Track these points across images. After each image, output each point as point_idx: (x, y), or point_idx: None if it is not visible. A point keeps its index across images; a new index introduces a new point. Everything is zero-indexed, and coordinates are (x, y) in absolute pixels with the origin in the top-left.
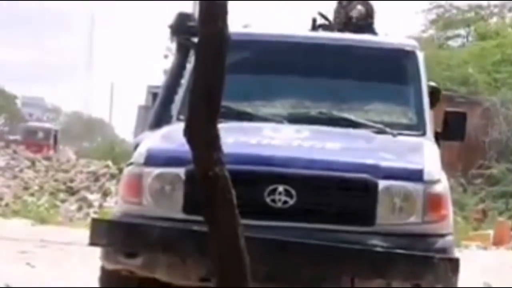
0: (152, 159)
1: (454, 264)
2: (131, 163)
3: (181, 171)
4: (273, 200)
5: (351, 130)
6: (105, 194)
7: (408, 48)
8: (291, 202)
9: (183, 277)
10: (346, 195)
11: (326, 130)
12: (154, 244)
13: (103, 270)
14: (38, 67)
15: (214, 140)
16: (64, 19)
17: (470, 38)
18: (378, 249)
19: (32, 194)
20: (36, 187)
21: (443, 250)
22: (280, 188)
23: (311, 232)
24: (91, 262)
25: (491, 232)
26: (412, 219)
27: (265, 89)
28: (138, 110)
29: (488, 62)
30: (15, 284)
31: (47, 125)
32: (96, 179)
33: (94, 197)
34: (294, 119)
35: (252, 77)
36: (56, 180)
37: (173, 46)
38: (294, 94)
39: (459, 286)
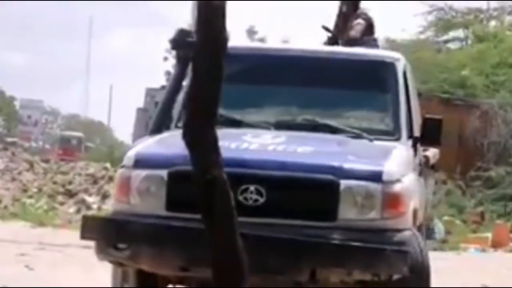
0: (139, 162)
1: (403, 255)
2: (123, 166)
3: (164, 173)
4: (245, 198)
5: (328, 135)
6: (104, 196)
7: (387, 60)
8: (261, 200)
9: (164, 266)
10: (311, 193)
11: (303, 135)
12: (139, 238)
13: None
14: (37, 69)
15: (212, 143)
16: (63, 21)
17: (468, 41)
18: (336, 241)
19: (30, 197)
20: (34, 190)
21: (400, 243)
22: (252, 187)
23: (279, 227)
24: (89, 264)
25: (489, 235)
26: (371, 215)
27: (254, 98)
28: (137, 112)
29: (486, 64)
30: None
31: (78, 133)
32: (95, 182)
33: (92, 200)
34: (281, 126)
35: (242, 87)
36: (54, 183)
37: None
38: (281, 102)
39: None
